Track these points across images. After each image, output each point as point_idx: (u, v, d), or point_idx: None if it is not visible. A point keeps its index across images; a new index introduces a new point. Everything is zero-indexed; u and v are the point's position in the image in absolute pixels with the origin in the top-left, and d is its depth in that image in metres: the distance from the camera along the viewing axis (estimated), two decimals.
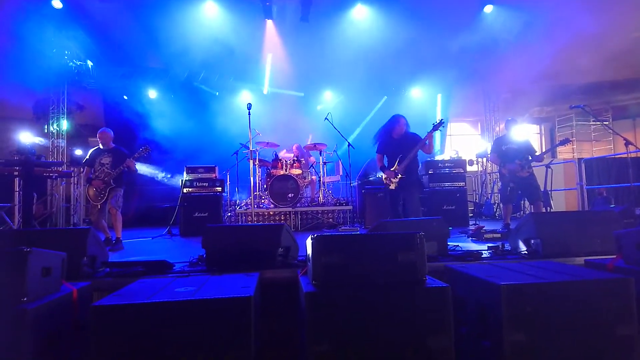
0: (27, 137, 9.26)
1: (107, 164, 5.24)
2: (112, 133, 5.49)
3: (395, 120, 5.20)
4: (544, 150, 10.08)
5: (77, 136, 10.68)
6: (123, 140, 8.41)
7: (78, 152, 9.87)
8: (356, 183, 8.07)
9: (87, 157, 5.42)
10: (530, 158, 5.70)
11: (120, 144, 5.67)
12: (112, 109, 9.97)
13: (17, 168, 6.58)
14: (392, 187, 5.18)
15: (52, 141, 9.67)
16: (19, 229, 6.98)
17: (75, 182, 9.65)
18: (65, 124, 9.81)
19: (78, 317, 2.28)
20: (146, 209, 9.67)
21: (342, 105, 11.41)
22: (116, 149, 5.42)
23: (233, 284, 2.31)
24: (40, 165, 6.95)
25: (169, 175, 10.17)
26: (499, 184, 6.15)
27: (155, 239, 6.35)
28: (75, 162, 9.51)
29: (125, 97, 10.37)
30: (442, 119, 5.11)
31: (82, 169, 6.64)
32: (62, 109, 9.81)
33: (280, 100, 11.19)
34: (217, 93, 11.00)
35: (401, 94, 11.82)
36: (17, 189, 7.78)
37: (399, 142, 5.17)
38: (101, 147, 5.39)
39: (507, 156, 5.82)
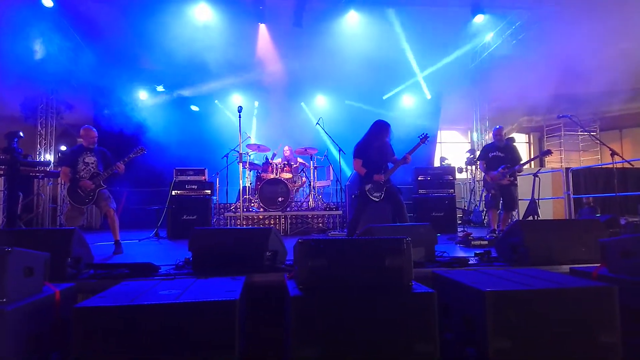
0: (14, 136, 9.12)
1: (93, 163, 5.00)
2: (97, 132, 5.20)
3: (379, 126, 4.92)
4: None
5: (66, 136, 10.57)
6: (112, 141, 8.33)
7: None
8: (346, 185, 8.05)
9: (67, 155, 5.11)
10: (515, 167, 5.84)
11: (110, 144, 5.55)
12: (102, 109, 9.88)
13: (3, 167, 6.47)
14: (377, 198, 4.82)
15: (40, 140, 9.55)
16: (2, 228, 6.86)
17: (62, 183, 9.52)
18: (53, 123, 9.70)
19: (61, 318, 2.24)
20: (134, 211, 9.58)
21: (334, 109, 11.43)
22: (101, 150, 5.17)
23: (219, 288, 2.29)
24: (27, 165, 6.84)
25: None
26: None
27: (142, 241, 6.29)
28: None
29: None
30: (426, 133, 4.90)
31: (60, 168, 6.21)
32: (51, 108, 9.70)
33: (273, 104, 11.16)
34: (216, 101, 11.03)
35: (391, 100, 11.86)
36: (1, 188, 7.66)
37: (380, 149, 4.89)
38: (84, 145, 5.08)
39: (492, 163, 5.95)
